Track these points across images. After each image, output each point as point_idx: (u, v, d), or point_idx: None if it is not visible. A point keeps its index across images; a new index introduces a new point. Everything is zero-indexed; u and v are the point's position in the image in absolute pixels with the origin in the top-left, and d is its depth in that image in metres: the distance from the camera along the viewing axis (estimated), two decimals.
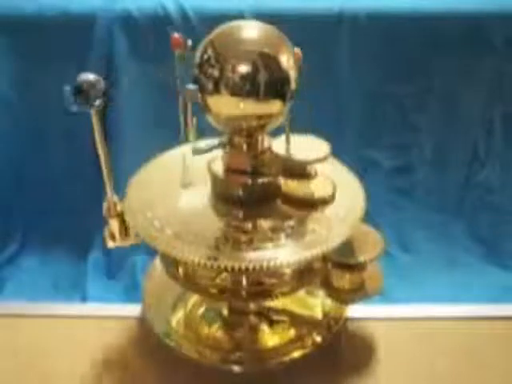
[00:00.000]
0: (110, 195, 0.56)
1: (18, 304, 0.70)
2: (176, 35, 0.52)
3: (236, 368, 0.57)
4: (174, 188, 0.58)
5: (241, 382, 0.57)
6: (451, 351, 0.61)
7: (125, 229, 0.58)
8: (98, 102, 0.49)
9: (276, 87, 0.49)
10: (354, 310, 0.63)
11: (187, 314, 0.63)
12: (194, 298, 0.65)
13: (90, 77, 0.49)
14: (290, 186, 0.54)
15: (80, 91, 0.48)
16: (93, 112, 0.50)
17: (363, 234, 0.57)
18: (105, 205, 0.57)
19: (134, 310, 0.66)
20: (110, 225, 0.58)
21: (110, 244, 0.59)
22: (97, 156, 0.53)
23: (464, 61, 0.99)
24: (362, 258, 0.55)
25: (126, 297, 0.96)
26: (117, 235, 0.58)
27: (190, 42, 0.52)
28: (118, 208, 0.57)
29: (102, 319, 0.65)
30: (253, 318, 0.62)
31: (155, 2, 0.94)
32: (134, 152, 0.91)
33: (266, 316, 0.62)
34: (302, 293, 0.63)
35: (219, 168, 0.55)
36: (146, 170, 0.61)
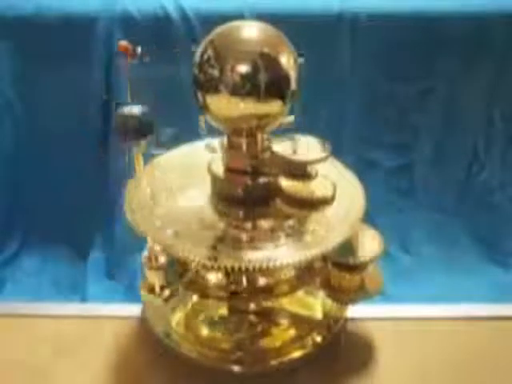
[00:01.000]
0: (152, 244, 0.49)
1: (17, 304, 0.70)
2: (123, 43, 0.50)
3: (236, 368, 0.57)
4: (174, 188, 0.58)
5: (241, 382, 0.57)
6: (451, 351, 0.61)
7: (166, 281, 0.52)
8: (145, 140, 0.36)
9: (276, 87, 0.49)
10: (354, 310, 0.63)
11: (187, 313, 0.63)
12: (193, 298, 0.65)
13: (133, 110, 0.35)
14: (290, 186, 0.54)
15: (123, 128, 0.35)
16: (135, 152, 0.37)
17: (363, 234, 0.57)
18: (145, 253, 0.51)
19: (134, 309, 0.66)
20: (148, 277, 0.52)
21: (146, 298, 0.53)
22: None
23: (464, 61, 0.99)
24: (362, 258, 0.55)
25: (125, 297, 0.97)
26: (157, 289, 0.52)
27: (139, 50, 0.50)
28: (162, 260, 0.50)
29: (101, 319, 0.65)
30: (253, 318, 0.62)
31: (155, 2, 0.94)
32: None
33: (266, 316, 0.62)
34: (301, 293, 0.63)
35: (219, 168, 0.55)
36: (147, 170, 0.61)
